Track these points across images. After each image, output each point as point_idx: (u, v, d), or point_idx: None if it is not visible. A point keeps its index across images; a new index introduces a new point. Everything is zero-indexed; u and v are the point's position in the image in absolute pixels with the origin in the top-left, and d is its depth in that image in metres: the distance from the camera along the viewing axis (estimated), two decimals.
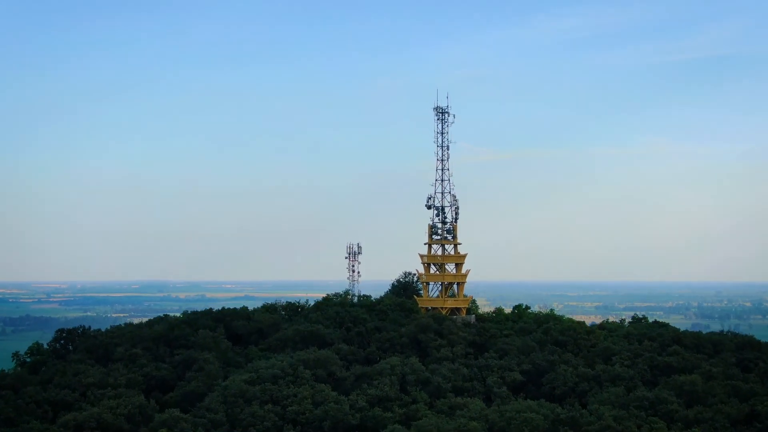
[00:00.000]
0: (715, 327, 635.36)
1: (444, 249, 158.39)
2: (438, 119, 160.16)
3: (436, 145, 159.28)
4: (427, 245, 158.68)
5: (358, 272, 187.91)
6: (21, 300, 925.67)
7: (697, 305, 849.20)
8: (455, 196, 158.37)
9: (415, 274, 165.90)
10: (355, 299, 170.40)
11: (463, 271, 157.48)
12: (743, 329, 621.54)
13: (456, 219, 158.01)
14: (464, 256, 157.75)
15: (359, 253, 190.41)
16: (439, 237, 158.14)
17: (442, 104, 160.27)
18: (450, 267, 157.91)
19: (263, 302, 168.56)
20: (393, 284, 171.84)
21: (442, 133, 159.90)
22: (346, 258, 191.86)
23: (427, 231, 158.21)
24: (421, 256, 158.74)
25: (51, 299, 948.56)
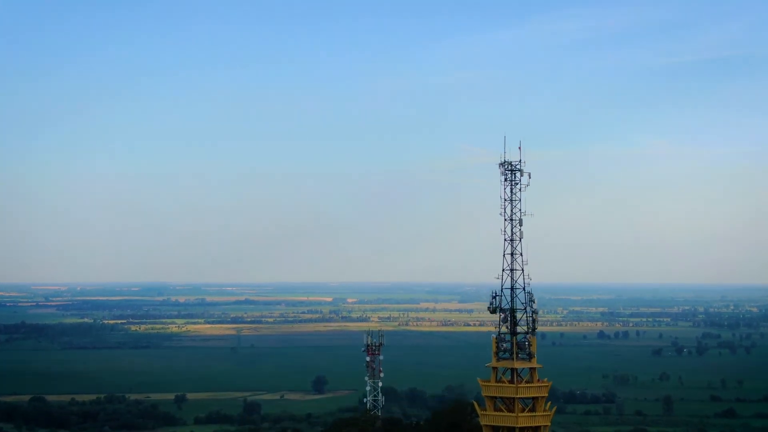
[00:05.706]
0: (726, 335, 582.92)
1: (515, 374, 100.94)
2: (506, 180, 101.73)
3: (503, 217, 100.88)
4: (492, 369, 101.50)
5: (380, 370, 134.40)
6: (19, 304, 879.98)
7: (704, 311, 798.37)
8: (532, 295, 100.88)
9: (470, 407, 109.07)
10: (379, 422, 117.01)
11: (547, 408, 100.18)
12: (755, 338, 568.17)
13: (534, 330, 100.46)
14: (548, 386, 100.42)
15: (381, 344, 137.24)
16: (507, 356, 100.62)
17: (512, 158, 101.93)
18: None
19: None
20: (436, 412, 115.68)
21: (512, 201, 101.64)
22: (363, 350, 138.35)
23: (492, 346, 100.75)
24: (484, 386, 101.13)
25: (49, 303, 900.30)
